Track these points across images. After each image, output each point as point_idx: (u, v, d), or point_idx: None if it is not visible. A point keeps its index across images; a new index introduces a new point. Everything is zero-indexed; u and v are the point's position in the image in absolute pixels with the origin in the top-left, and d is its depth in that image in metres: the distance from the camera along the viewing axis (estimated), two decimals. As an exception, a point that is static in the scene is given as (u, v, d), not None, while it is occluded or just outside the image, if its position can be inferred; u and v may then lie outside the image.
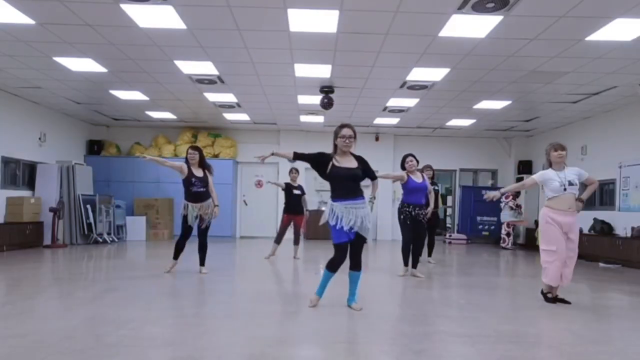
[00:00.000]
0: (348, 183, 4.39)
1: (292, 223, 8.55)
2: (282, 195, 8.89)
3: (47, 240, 10.29)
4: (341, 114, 11.27)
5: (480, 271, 8.10)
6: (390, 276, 6.92)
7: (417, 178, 6.68)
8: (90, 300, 4.88)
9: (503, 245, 12.45)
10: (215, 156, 13.54)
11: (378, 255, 10.33)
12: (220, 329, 3.81)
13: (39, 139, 10.92)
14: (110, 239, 11.48)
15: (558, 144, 5.10)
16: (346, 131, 4.38)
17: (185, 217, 6.39)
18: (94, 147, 13.18)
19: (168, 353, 3.20)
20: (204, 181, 6.40)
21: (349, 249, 4.47)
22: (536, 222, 12.09)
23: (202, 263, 6.71)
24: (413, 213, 6.60)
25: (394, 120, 12.11)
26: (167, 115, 11.98)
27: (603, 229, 9.83)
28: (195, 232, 6.55)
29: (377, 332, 3.84)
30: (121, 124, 13.45)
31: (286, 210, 8.54)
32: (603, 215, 10.13)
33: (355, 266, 4.53)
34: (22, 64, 7.84)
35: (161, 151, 13.30)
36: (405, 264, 6.85)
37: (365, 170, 4.49)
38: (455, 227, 14.41)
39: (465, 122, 12.06)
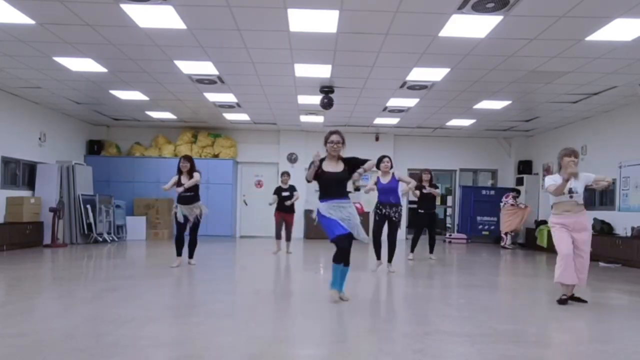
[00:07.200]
0: (333, 185, 4.78)
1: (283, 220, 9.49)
2: None
3: (47, 240, 10.27)
4: (341, 114, 11.27)
5: (480, 270, 8.10)
6: (390, 276, 6.91)
7: (386, 179, 7.04)
8: (90, 300, 4.88)
9: (502, 244, 12.44)
10: (215, 156, 13.53)
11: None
12: (220, 329, 3.81)
13: (39, 139, 10.92)
14: (110, 238, 11.48)
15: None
16: (335, 137, 4.84)
17: (175, 216, 7.20)
18: (94, 147, 13.17)
19: (168, 353, 3.20)
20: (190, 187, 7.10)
21: None
22: (536, 222, 12.09)
23: (190, 256, 7.42)
24: (384, 211, 6.97)
25: (394, 120, 12.10)
26: (167, 115, 11.97)
27: (603, 229, 9.82)
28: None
29: (377, 332, 3.84)
30: (121, 124, 13.44)
31: (277, 208, 9.54)
32: (603, 215, 10.12)
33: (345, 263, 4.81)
34: (22, 64, 7.83)
35: (161, 151, 13.31)
36: (378, 258, 7.19)
37: (353, 167, 4.87)
38: (456, 227, 14.40)
39: (465, 122, 12.05)
